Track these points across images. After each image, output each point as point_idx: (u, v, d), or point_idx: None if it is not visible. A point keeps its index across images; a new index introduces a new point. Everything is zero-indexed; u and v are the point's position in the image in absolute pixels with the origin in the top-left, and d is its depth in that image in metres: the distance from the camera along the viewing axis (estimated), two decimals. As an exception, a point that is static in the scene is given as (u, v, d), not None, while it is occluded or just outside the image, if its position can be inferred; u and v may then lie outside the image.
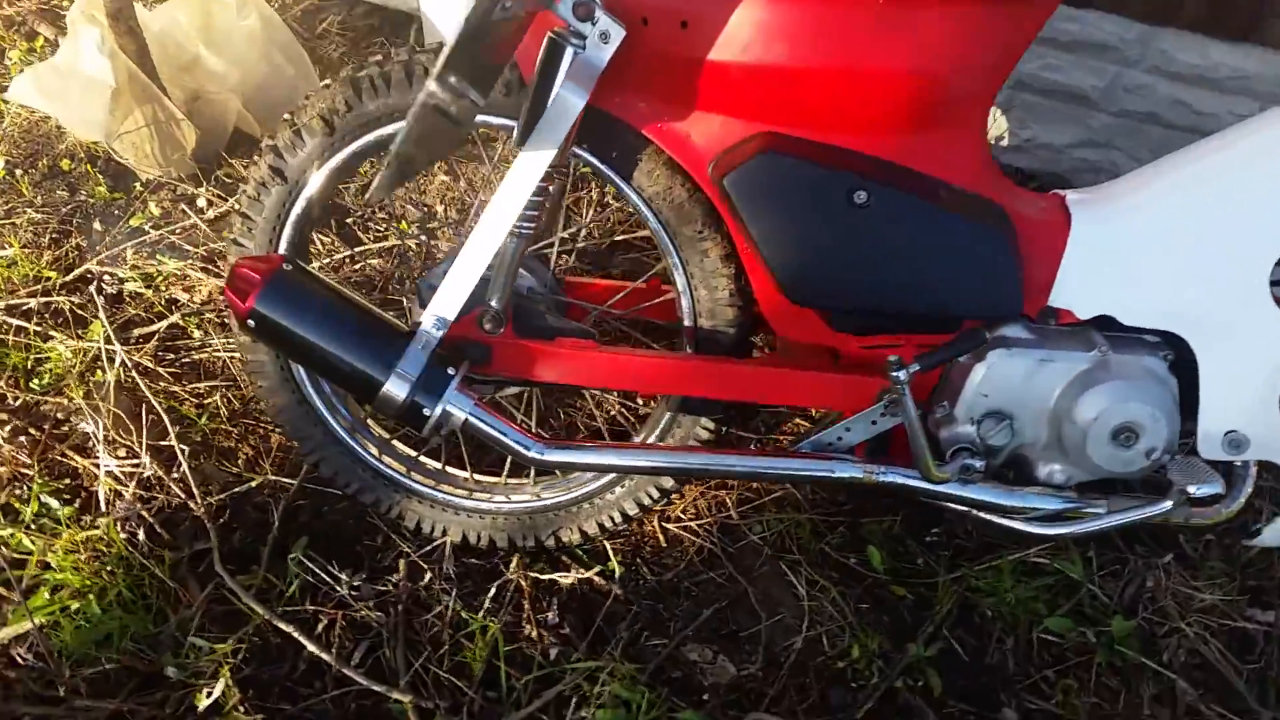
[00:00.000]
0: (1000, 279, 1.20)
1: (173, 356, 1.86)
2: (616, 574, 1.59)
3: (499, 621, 1.49)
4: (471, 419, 1.25)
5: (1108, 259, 1.23)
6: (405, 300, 1.83)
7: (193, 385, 1.81)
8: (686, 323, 1.36)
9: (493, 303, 1.27)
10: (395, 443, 1.59)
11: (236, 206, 1.36)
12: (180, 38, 2.32)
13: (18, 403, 1.75)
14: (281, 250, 1.37)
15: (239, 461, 1.70)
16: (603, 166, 1.27)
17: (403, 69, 1.25)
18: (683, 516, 1.68)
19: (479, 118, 1.26)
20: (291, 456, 1.70)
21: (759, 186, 1.16)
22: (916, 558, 1.65)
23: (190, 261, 1.97)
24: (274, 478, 1.66)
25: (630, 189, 1.28)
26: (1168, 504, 1.27)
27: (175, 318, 1.88)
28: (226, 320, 1.92)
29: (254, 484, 1.65)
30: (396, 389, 1.20)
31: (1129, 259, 1.23)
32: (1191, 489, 1.24)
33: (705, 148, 1.20)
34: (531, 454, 1.27)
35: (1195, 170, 1.20)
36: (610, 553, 1.62)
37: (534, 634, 1.50)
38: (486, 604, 1.52)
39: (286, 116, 1.31)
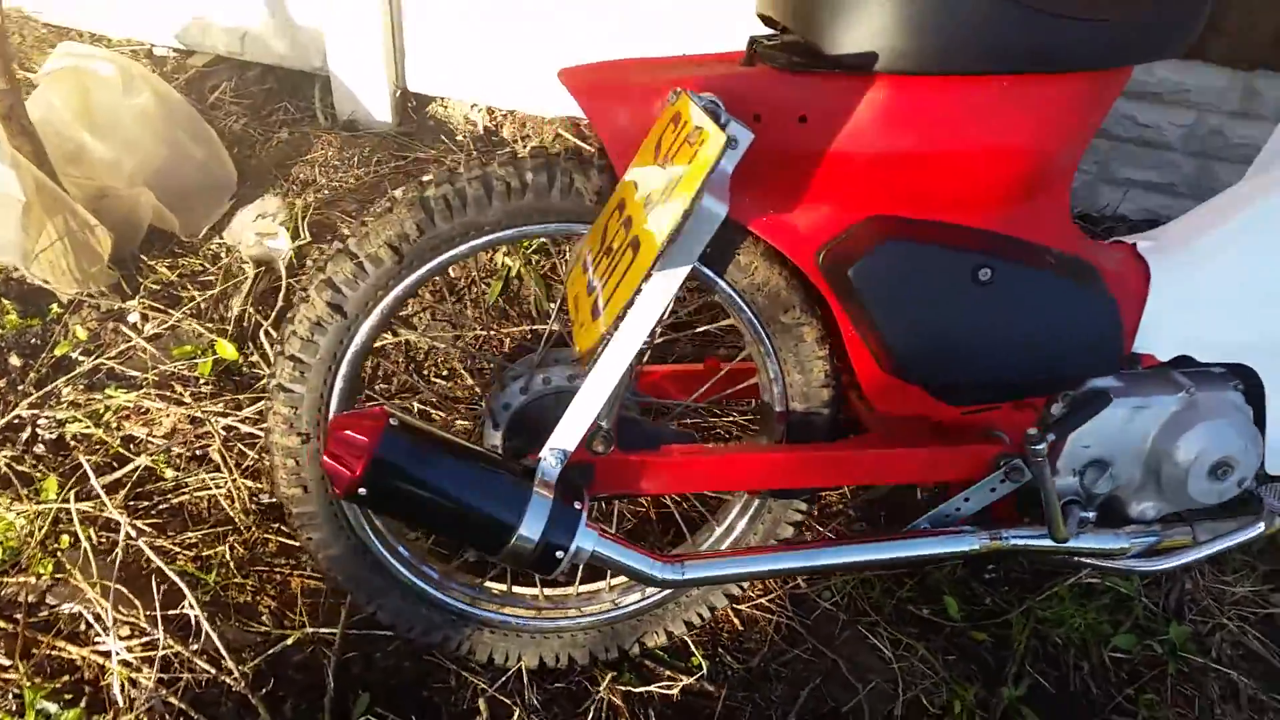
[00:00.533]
0: (1105, 336, 1.23)
1: (147, 504, 1.63)
2: (704, 669, 1.53)
3: (606, 748, 1.39)
4: (598, 550, 1.16)
5: (1185, 303, 1.28)
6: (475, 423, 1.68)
7: (182, 535, 1.59)
8: (778, 409, 1.32)
9: (603, 423, 1.18)
10: (456, 574, 1.45)
11: (283, 350, 1.19)
12: (59, 125, 2.05)
13: (-29, 592, 1.48)
14: (338, 387, 1.22)
15: (262, 617, 1.51)
16: (699, 266, 1.20)
17: (480, 184, 1.14)
18: (752, 594, 1.64)
19: (568, 225, 1.17)
20: (325, 601, 1.53)
21: (885, 273, 1.14)
22: (984, 598, 1.68)
23: (144, 390, 1.73)
24: (311, 629, 1.48)
25: (723, 281, 1.23)
26: (1260, 526, 1.34)
27: (143, 459, 1.65)
28: (204, 454, 1.70)
29: (290, 641, 1.47)
30: (530, 535, 1.09)
31: (1204, 300, 1.28)
32: (1286, 508, 1.30)
33: (812, 237, 1.17)
34: (665, 576, 1.20)
35: (1261, 210, 1.26)
36: (692, 647, 1.55)
37: (644, 753, 1.41)
38: (586, 730, 1.42)
39: (339, 246, 1.17)
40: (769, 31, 1.24)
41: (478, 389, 1.83)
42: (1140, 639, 1.65)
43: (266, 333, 1.90)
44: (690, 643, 1.55)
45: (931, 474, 1.32)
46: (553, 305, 1.91)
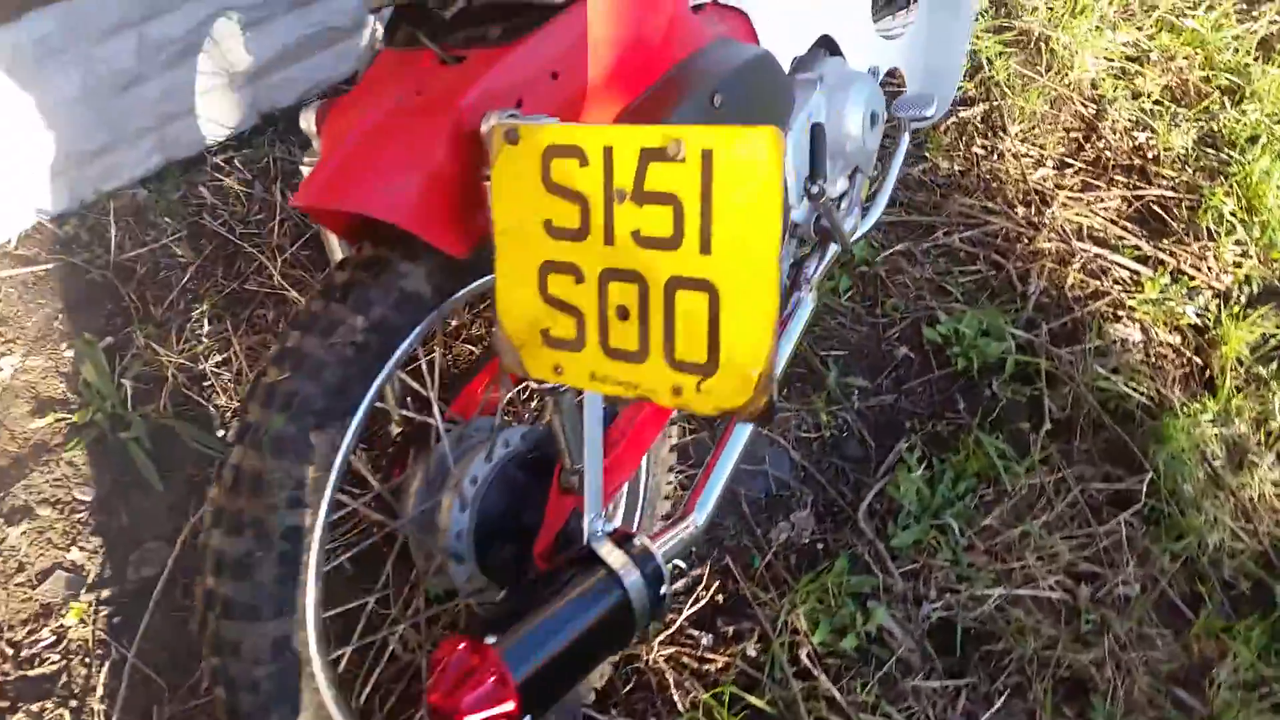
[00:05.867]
0: (786, 83, 1.44)
1: None
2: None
3: None
4: (665, 554, 1.19)
5: (776, 18, 1.52)
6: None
7: None
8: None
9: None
10: None
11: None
12: None
13: None
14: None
15: None
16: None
17: (311, 365, 0.96)
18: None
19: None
20: None
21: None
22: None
23: None
24: None
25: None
26: (906, 138, 1.74)
27: None
28: None
29: None
30: (639, 599, 1.09)
31: (784, 6, 1.54)
32: (924, 112, 1.69)
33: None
34: (701, 522, 1.27)
35: None
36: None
37: None
38: None
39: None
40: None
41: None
42: (849, 273, 2.07)
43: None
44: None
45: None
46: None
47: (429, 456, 1.23)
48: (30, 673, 1.47)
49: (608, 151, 0.85)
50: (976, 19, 2.58)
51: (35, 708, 1.44)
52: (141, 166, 1.90)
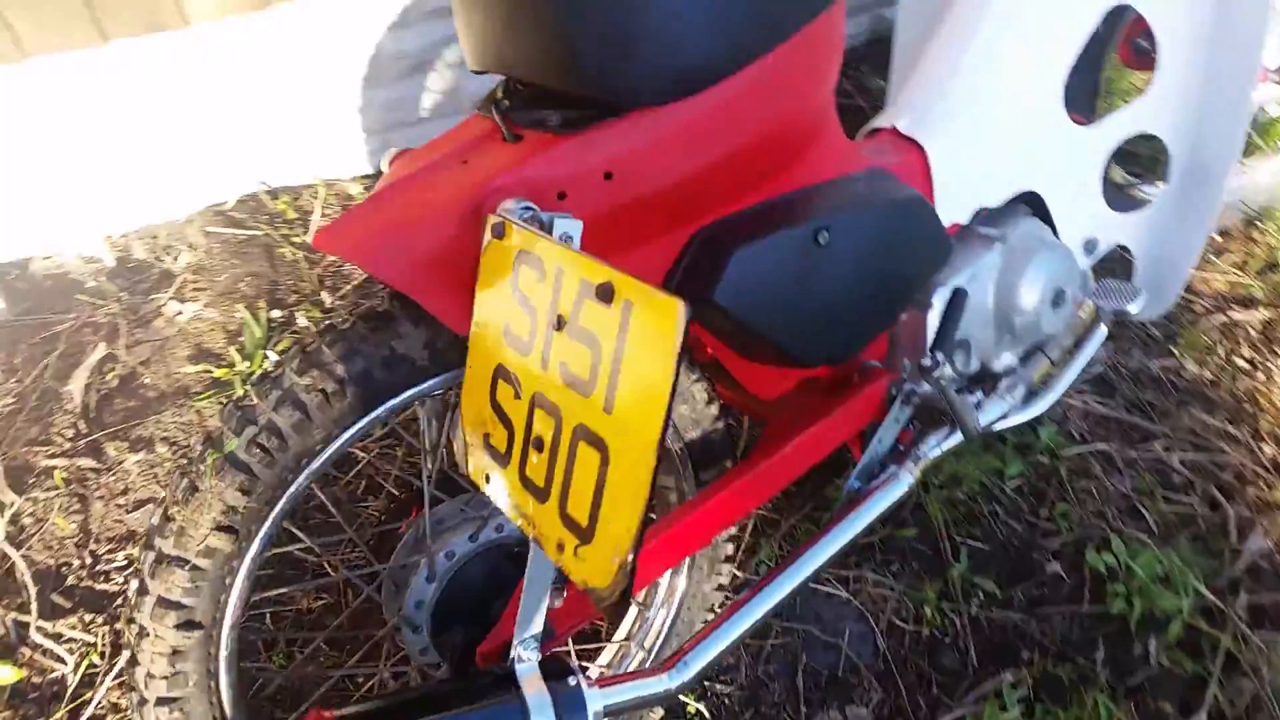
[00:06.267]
0: (933, 229, 1.27)
1: None
2: (703, 711, 1.50)
3: None
4: (610, 704, 1.07)
5: (960, 158, 1.35)
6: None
7: None
8: (676, 447, 1.27)
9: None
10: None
11: (142, 695, 0.97)
12: None
13: None
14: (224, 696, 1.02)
15: None
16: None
17: (291, 407, 0.95)
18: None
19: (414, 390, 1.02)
20: None
21: (745, 281, 1.09)
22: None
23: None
24: None
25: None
26: (1103, 328, 1.49)
27: None
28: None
29: None
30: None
31: (974, 148, 1.36)
32: (1125, 305, 1.44)
33: (653, 277, 1.10)
34: (677, 684, 1.14)
35: (984, 37, 1.35)
36: (682, 698, 1.51)
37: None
38: None
39: (153, 557, 0.95)
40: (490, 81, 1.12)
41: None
42: (1024, 457, 1.80)
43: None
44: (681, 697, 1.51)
45: (844, 433, 1.33)
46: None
47: (422, 518, 1.20)
48: (97, 585, 1.62)
49: (559, 273, 0.78)
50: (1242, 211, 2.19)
51: (88, 617, 1.57)
52: (361, 164, 2.05)
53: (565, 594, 1.03)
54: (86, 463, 1.68)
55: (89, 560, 1.62)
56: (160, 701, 0.98)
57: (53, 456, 1.72)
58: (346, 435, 1.00)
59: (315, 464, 0.99)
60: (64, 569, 1.61)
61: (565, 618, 1.18)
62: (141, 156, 1.92)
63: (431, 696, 1.00)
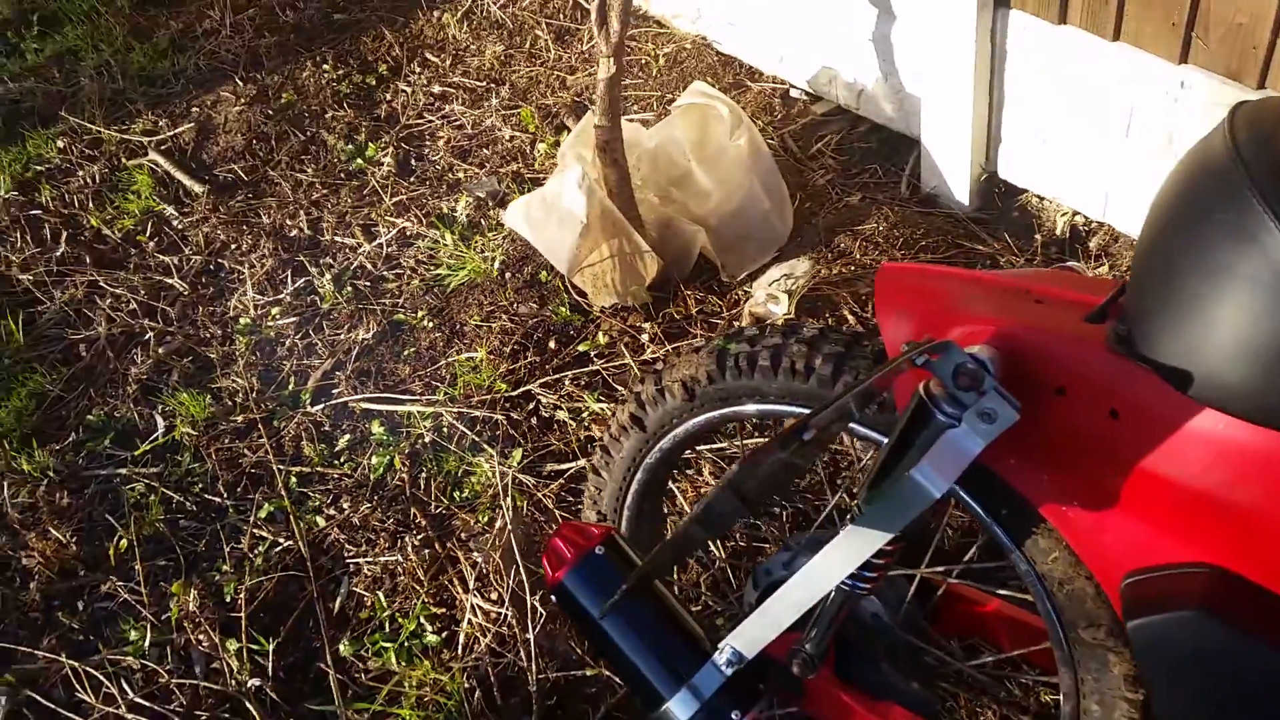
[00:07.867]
0: None
1: (573, 500, 1.97)
2: None
3: None
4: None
5: None
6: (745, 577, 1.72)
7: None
8: (1067, 727, 1.08)
9: (807, 646, 1.12)
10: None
11: (605, 435, 1.37)
12: (675, 154, 2.46)
13: (437, 511, 1.99)
14: (634, 488, 1.36)
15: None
16: (989, 521, 1.04)
17: (769, 355, 1.14)
18: None
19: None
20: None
21: (1178, 648, 0.85)
22: None
23: (615, 405, 2.06)
24: (607, 674, 1.67)
25: (1021, 558, 1.04)
26: None
27: (583, 462, 1.99)
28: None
29: (588, 673, 1.68)
30: (680, 711, 1.11)
31: None
32: None
33: (1121, 557, 0.92)
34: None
35: None
36: None
37: None
38: None
39: (653, 373, 1.28)
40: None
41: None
42: None
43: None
44: None
45: None
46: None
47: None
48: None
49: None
50: None
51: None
52: None
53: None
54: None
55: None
56: (603, 448, 1.37)
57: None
58: (781, 408, 1.16)
59: (757, 406, 1.18)
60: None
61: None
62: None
63: (667, 611, 1.17)
